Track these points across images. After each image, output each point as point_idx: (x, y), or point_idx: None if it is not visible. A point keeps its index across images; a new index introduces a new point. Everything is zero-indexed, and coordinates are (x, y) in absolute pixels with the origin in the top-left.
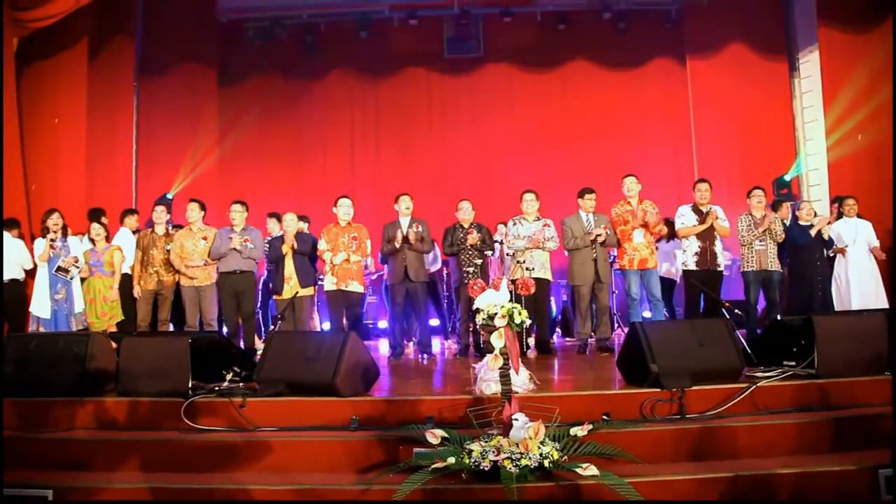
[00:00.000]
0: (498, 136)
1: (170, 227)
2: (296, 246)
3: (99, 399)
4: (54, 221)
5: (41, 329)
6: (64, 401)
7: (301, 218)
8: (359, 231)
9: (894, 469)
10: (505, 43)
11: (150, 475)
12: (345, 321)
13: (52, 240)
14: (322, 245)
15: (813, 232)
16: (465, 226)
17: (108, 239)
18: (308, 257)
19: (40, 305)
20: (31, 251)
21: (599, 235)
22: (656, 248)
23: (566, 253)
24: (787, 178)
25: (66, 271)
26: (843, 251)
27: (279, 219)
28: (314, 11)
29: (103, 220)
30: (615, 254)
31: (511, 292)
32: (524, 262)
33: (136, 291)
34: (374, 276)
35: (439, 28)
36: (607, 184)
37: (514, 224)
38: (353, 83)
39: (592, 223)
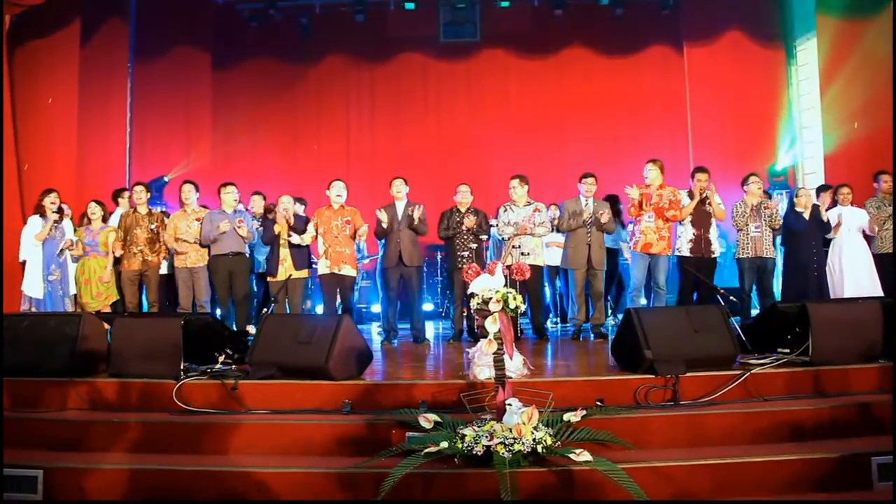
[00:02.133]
0: (494, 121)
1: (152, 208)
2: (292, 221)
3: (90, 380)
4: (52, 201)
5: (33, 309)
6: (55, 381)
7: (298, 200)
8: (353, 214)
9: (895, 455)
10: (501, 28)
11: (141, 456)
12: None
13: (55, 221)
14: (310, 228)
15: (807, 214)
16: (462, 209)
17: (104, 219)
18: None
19: (33, 285)
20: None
21: (600, 214)
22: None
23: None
24: (776, 168)
25: (62, 252)
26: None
27: (264, 197)
28: None
29: (120, 199)
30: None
31: (506, 277)
32: (519, 246)
33: (121, 265)
34: (366, 261)
35: (435, 12)
36: (603, 169)
37: (505, 211)
38: (349, 67)
39: (591, 208)
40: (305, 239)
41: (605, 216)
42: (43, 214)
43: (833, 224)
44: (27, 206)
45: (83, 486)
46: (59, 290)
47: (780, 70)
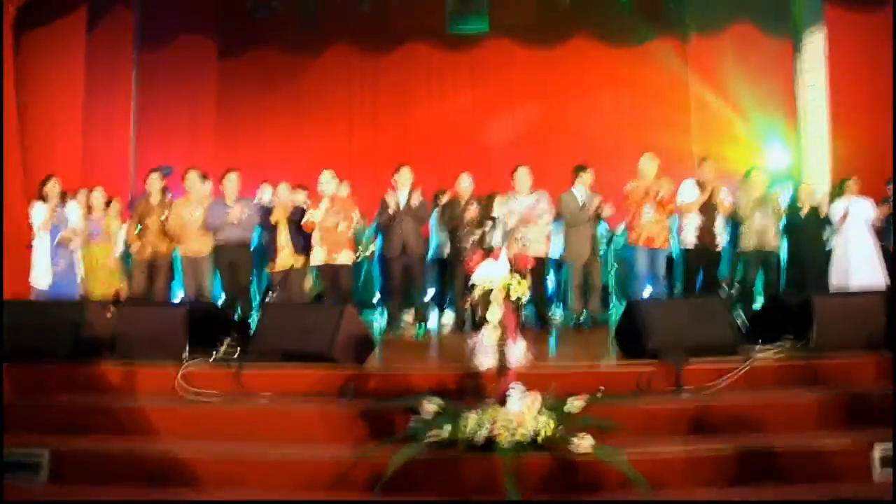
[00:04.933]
0: (499, 111)
1: (166, 196)
2: (289, 210)
3: (95, 365)
4: (51, 187)
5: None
6: (60, 366)
7: (299, 188)
8: (343, 201)
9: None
10: (508, 18)
11: (145, 440)
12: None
13: (53, 207)
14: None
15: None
16: (464, 200)
17: (107, 206)
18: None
19: (40, 275)
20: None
21: (599, 207)
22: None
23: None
24: (780, 161)
25: (68, 240)
26: None
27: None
28: None
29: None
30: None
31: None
32: (521, 237)
33: (133, 248)
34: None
35: (441, 2)
36: (606, 160)
37: (508, 200)
38: (353, 57)
39: (587, 200)
40: (316, 215)
41: (607, 209)
42: (45, 200)
43: (840, 216)
44: (31, 193)
45: (87, 470)
46: (67, 276)
47: (786, 61)
